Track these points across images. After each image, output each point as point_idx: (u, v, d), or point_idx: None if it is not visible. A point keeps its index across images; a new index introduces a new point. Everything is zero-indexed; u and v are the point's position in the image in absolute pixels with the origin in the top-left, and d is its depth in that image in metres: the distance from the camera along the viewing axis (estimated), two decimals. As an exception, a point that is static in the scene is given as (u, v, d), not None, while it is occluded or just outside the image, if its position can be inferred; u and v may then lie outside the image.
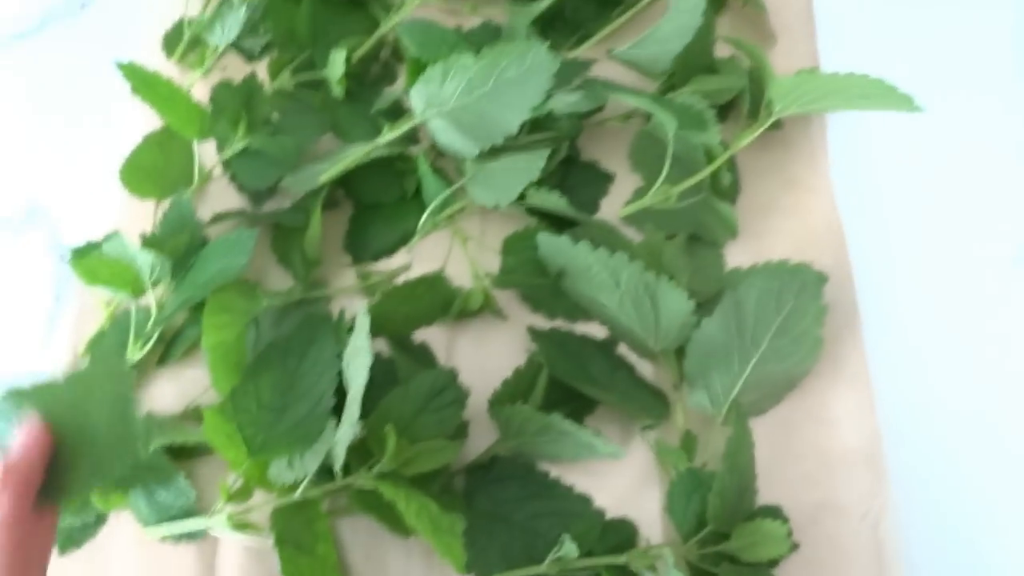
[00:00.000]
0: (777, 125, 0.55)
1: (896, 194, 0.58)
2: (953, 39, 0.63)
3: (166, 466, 0.51)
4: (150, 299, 0.53)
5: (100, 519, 0.52)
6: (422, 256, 0.57)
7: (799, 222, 0.56)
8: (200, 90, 0.61)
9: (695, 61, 0.56)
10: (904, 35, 0.63)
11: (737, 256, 0.55)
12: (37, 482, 0.37)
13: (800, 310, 0.48)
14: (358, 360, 0.43)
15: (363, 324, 0.44)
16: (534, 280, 0.52)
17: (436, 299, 0.53)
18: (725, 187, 0.53)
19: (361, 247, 0.58)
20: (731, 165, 0.56)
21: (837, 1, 0.64)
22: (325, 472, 0.46)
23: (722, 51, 0.59)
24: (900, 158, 0.59)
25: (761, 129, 0.52)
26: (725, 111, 0.57)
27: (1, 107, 0.67)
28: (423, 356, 0.54)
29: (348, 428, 0.43)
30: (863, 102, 0.49)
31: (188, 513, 0.51)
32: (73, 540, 0.51)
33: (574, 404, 0.51)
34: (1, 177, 0.64)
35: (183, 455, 0.53)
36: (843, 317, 0.52)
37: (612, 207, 0.58)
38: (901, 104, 0.48)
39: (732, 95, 0.55)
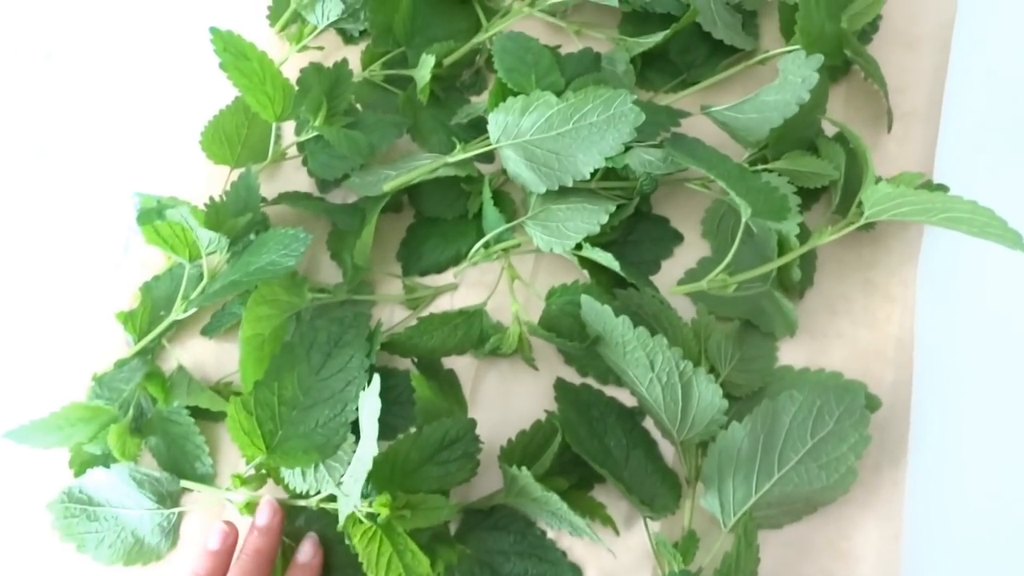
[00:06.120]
0: (869, 225, 0.51)
1: (980, 318, 0.53)
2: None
3: (186, 422, 0.54)
4: (203, 266, 0.54)
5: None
6: (470, 281, 0.57)
7: (868, 331, 0.52)
8: (294, 63, 0.61)
9: (794, 136, 0.52)
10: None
11: (792, 352, 0.52)
12: None
13: (839, 435, 0.45)
14: (368, 417, 0.43)
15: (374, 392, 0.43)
16: (571, 338, 0.50)
17: (472, 333, 0.53)
18: (793, 283, 0.50)
19: (413, 259, 0.57)
20: (808, 255, 0.52)
21: (971, 92, 0.57)
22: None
23: (829, 126, 0.55)
24: (992, 284, 0.53)
25: (846, 230, 0.48)
26: (815, 195, 0.53)
27: (101, 53, 0.68)
28: (448, 384, 0.53)
29: (355, 487, 0.43)
30: (965, 228, 0.44)
31: (203, 479, 0.53)
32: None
33: (587, 469, 0.49)
34: (85, 124, 0.66)
35: (208, 418, 0.54)
36: (889, 445, 0.49)
37: (674, 270, 0.55)
38: (1007, 240, 0.43)
39: (824, 183, 0.51)
